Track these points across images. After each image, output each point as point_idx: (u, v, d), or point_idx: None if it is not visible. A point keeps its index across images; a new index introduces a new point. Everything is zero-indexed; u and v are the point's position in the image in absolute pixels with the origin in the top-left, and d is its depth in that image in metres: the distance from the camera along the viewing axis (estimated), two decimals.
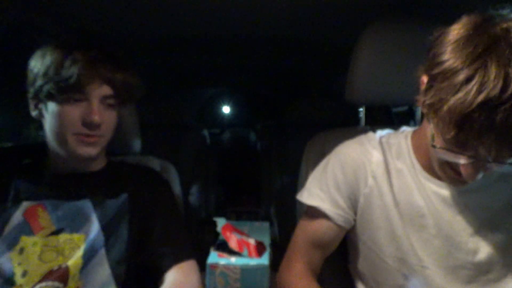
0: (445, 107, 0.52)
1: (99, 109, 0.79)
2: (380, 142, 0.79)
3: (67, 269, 0.76)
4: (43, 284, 0.74)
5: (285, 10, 1.23)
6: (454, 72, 0.52)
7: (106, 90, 0.80)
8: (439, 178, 0.71)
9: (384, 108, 1.45)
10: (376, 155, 0.78)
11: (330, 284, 0.89)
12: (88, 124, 0.78)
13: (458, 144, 0.55)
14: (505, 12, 0.55)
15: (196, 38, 1.62)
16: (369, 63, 0.93)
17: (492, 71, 0.48)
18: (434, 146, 0.60)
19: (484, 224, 0.70)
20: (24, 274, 0.75)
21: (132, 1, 1.14)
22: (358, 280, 0.84)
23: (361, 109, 1.12)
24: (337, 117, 1.98)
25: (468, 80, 0.50)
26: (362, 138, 0.82)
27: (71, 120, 0.77)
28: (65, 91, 0.75)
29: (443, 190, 0.72)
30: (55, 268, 0.76)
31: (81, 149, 0.80)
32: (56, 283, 0.75)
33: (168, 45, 1.74)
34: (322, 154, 0.91)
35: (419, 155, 0.75)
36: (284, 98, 3.44)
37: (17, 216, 0.80)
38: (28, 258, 0.76)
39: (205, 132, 2.09)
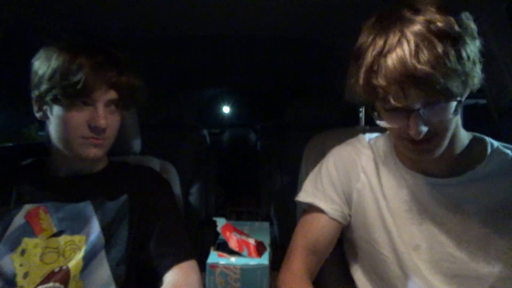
0: (360, 74, 0.66)
1: (105, 113, 0.80)
2: (369, 144, 0.86)
3: (68, 271, 0.76)
4: (44, 285, 0.74)
5: (285, 10, 1.23)
6: (359, 52, 0.66)
7: (111, 94, 0.81)
8: (422, 172, 0.76)
9: None
10: (366, 153, 0.84)
11: (331, 280, 0.89)
12: (95, 128, 0.79)
13: (379, 103, 0.66)
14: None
15: (196, 38, 1.61)
16: None
17: (378, 37, 0.63)
18: (375, 119, 0.70)
19: (466, 218, 0.72)
20: (26, 275, 0.75)
21: (132, 1, 1.14)
22: (360, 274, 0.85)
23: (361, 109, 1.12)
24: (337, 117, 1.98)
25: (366, 50, 0.65)
26: (353, 140, 0.89)
27: (77, 124, 0.78)
28: (72, 96, 0.76)
29: (428, 184, 0.75)
30: (56, 269, 0.76)
31: (89, 151, 0.80)
32: (57, 285, 0.75)
33: (168, 45, 1.74)
34: (322, 154, 0.91)
35: (399, 152, 0.80)
36: (284, 98, 3.44)
37: (19, 218, 0.80)
38: (30, 260, 0.77)
39: (205, 132, 2.08)
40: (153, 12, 1.25)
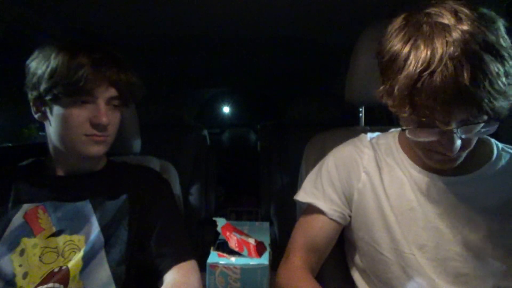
0: (396, 89, 0.60)
1: (106, 110, 0.80)
2: (371, 142, 0.85)
3: (67, 271, 0.76)
4: (44, 286, 0.74)
5: (285, 10, 1.23)
6: (394, 58, 0.61)
7: (112, 91, 0.81)
8: (431, 170, 0.75)
9: (384, 108, 1.45)
10: (367, 152, 0.83)
11: (330, 280, 0.89)
12: (97, 125, 0.79)
13: (418, 120, 0.61)
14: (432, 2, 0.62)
15: (196, 38, 1.62)
16: (369, 63, 0.93)
17: (421, 46, 0.57)
18: (404, 130, 0.66)
19: (474, 218, 0.71)
20: (25, 275, 0.75)
21: (132, 1, 1.14)
22: (358, 275, 0.85)
23: (361, 109, 1.12)
24: (337, 117, 1.98)
25: (406, 60, 0.59)
26: (354, 139, 0.88)
27: (79, 122, 0.78)
28: (74, 93, 0.76)
29: (435, 182, 0.74)
30: (56, 269, 0.76)
31: (91, 148, 0.81)
32: (57, 285, 0.75)
33: (168, 45, 1.74)
34: (322, 154, 0.91)
35: (407, 150, 0.79)
36: (284, 98, 3.44)
37: (17, 218, 0.80)
38: (29, 260, 0.76)
39: (205, 132, 2.08)
40: (153, 12, 1.25)
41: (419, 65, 0.56)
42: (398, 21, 0.63)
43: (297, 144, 1.22)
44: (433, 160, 0.69)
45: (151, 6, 1.19)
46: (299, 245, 0.83)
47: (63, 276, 0.75)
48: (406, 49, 0.59)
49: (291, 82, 2.99)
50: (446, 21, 0.57)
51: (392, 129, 0.89)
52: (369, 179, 0.80)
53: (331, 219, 0.81)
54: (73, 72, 0.75)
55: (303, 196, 0.86)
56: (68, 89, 0.75)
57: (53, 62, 0.76)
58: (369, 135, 0.88)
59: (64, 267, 0.76)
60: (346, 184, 0.82)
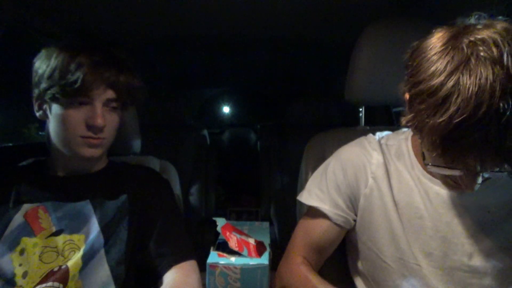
0: (426, 129, 0.54)
1: (103, 112, 0.80)
2: (380, 144, 0.81)
3: (67, 270, 0.76)
4: (43, 285, 0.74)
5: (285, 10, 1.23)
6: (430, 93, 0.53)
7: (109, 93, 0.80)
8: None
9: (384, 108, 1.45)
10: (376, 157, 0.79)
11: (329, 281, 0.89)
12: (92, 127, 0.79)
13: (446, 160, 0.57)
14: (472, 21, 0.56)
15: (196, 38, 1.62)
16: (369, 63, 0.93)
17: (466, 89, 0.49)
18: (426, 164, 0.62)
19: (482, 227, 0.70)
20: (25, 275, 0.75)
21: (132, 1, 1.14)
22: (358, 279, 0.85)
23: (361, 109, 1.12)
24: (337, 117, 1.98)
25: (444, 100, 0.51)
26: (362, 140, 0.84)
27: (75, 123, 0.78)
28: (70, 94, 0.76)
29: (445, 191, 0.72)
30: (55, 269, 0.76)
31: (85, 150, 0.81)
32: (56, 284, 0.75)
33: (168, 45, 1.74)
34: (322, 154, 0.91)
35: (420, 156, 0.75)
36: (284, 98, 3.45)
37: (18, 218, 0.80)
38: (29, 259, 0.76)
39: (205, 132, 2.09)
40: (153, 12, 1.25)
41: (458, 114, 0.49)
42: (440, 39, 0.56)
43: (297, 144, 1.22)
44: (449, 185, 0.67)
45: (151, 6, 1.19)
46: (301, 246, 0.82)
47: (62, 275, 0.75)
48: (448, 85, 0.51)
49: (291, 82, 2.99)
50: (496, 56, 0.49)
51: (404, 129, 0.85)
52: (376, 185, 0.77)
53: (335, 223, 0.79)
54: (70, 73, 0.75)
55: (307, 197, 0.83)
56: (64, 90, 0.75)
57: (53, 62, 0.77)
58: (378, 134, 0.84)
59: (63, 266, 0.76)
60: (353, 188, 0.79)
